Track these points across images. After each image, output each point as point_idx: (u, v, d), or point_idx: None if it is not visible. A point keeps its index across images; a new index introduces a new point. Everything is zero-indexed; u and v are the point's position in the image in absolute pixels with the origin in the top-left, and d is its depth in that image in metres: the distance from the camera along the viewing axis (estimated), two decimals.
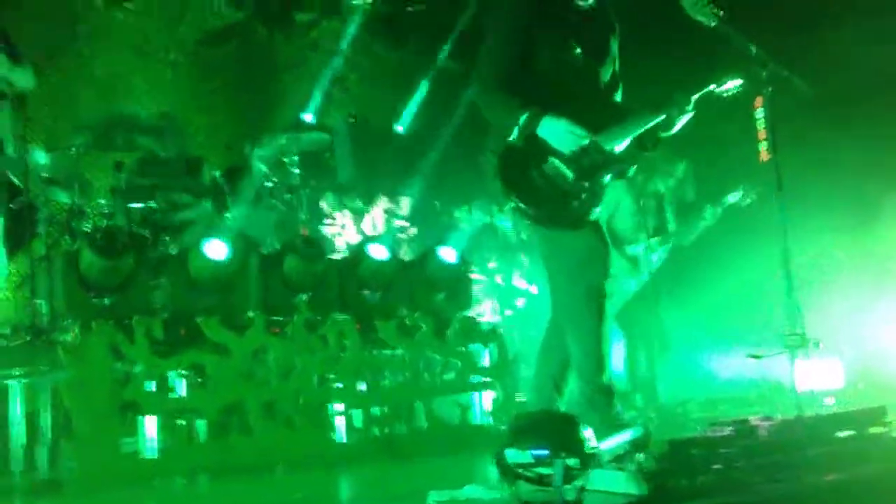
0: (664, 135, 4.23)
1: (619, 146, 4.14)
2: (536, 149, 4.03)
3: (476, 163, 4.23)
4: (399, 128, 8.83)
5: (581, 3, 4.23)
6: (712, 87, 4.14)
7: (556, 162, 4.04)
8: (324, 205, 7.88)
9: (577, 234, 4.11)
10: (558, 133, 4.03)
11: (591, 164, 4.06)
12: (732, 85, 4.16)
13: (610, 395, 4.16)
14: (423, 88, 8.73)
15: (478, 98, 4.20)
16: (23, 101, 6.13)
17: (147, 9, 8.66)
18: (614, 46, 4.37)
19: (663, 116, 4.13)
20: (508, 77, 4.08)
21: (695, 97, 4.14)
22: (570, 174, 4.04)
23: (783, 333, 4.26)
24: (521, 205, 4.03)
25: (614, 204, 7.04)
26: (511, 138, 4.03)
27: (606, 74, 4.32)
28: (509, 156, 4.04)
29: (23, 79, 6.01)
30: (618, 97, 4.39)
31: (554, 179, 4.04)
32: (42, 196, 6.36)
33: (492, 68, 4.13)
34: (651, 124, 4.14)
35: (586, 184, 4.07)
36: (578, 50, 4.17)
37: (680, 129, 4.23)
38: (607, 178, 4.11)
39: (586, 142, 4.04)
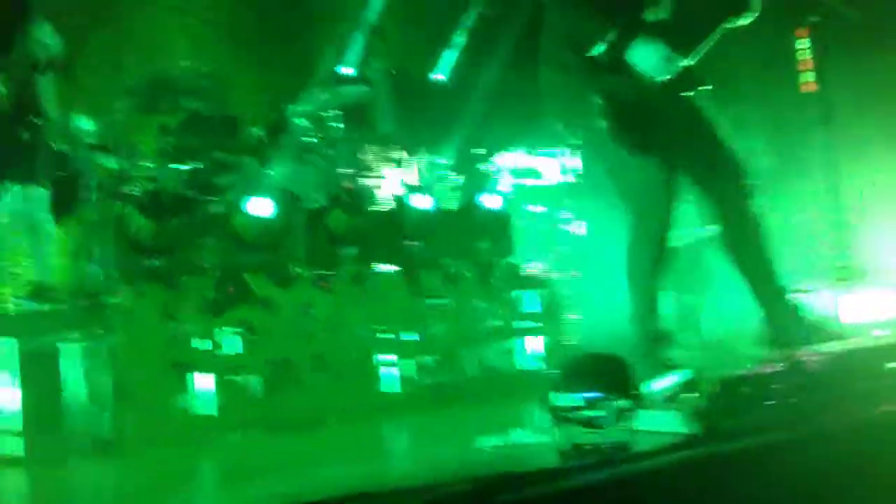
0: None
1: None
2: (623, 64, 3.92)
3: (548, 82, 4.09)
4: (439, 76, 8.77)
5: None
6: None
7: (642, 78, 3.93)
8: (366, 157, 7.86)
9: (650, 173, 4.00)
10: (650, 56, 3.88)
11: (673, 81, 3.92)
12: None
13: (659, 335, 4.13)
14: (462, 34, 8.64)
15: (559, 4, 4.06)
16: (65, 67, 6.15)
17: None
18: None
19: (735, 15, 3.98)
20: None
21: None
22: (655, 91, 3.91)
23: (832, 266, 4.20)
24: (613, 123, 3.91)
25: None
26: (599, 52, 3.89)
27: None
28: (598, 70, 3.92)
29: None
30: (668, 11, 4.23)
31: (635, 102, 3.93)
32: (89, 162, 6.44)
33: None
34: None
35: (669, 106, 3.94)
36: None
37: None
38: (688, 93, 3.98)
39: (680, 65, 3.90)
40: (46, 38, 5.96)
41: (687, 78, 3.98)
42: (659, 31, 3.94)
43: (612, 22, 3.88)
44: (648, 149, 3.98)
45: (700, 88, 4.04)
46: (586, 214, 7.23)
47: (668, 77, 3.90)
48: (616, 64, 3.89)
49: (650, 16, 3.96)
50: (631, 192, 4.08)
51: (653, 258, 4.07)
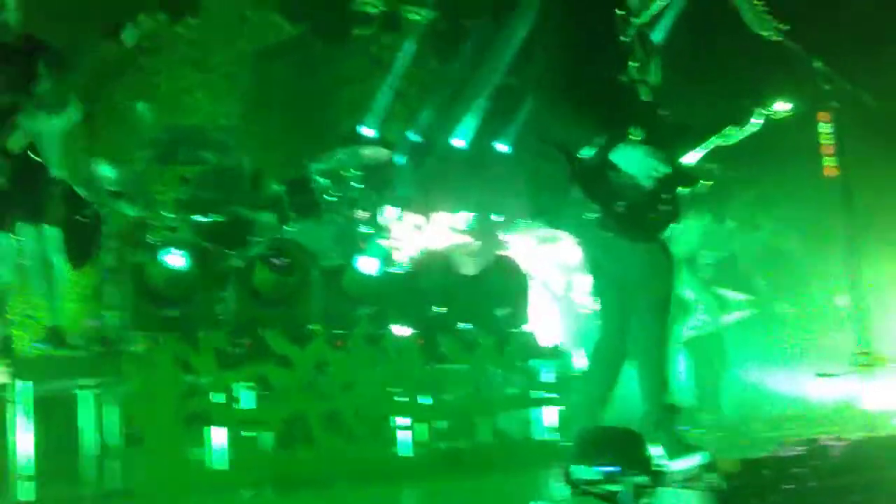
0: (724, 145, 4.20)
1: (689, 159, 4.12)
2: (612, 162, 4.02)
3: (536, 171, 4.20)
4: (459, 142, 8.86)
5: (632, 21, 4.22)
6: (765, 110, 4.12)
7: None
8: (384, 219, 7.91)
9: (646, 248, 4.09)
10: (635, 161, 4.00)
11: (666, 176, 4.04)
12: (785, 107, 4.13)
13: (675, 412, 4.13)
14: (482, 103, 8.75)
15: (548, 107, 4.16)
16: (88, 115, 6.22)
17: (207, 24, 8.77)
18: (657, 63, 4.34)
19: (735, 128, 4.11)
20: (576, 90, 4.06)
21: (756, 116, 4.12)
22: (646, 185, 4.03)
23: (853, 352, 4.21)
24: (603, 215, 4.00)
25: (698, 241, 7.03)
26: (588, 155, 4.00)
27: (653, 91, 4.29)
28: (586, 165, 4.02)
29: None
30: (661, 112, 4.35)
31: (632, 190, 4.02)
32: (108, 208, 6.48)
33: (563, 79, 4.10)
34: (721, 137, 4.13)
35: (664, 196, 4.05)
36: (629, 67, 4.16)
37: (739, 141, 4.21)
38: (682, 190, 4.09)
39: (663, 172, 4.02)
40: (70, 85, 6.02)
41: (681, 175, 4.10)
42: (649, 139, 4.05)
43: (603, 128, 3.98)
44: (642, 234, 4.07)
45: (691, 187, 4.15)
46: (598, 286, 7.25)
47: (656, 179, 4.01)
48: (605, 164, 3.99)
49: (642, 124, 4.07)
50: (629, 269, 4.14)
51: (660, 328, 4.10)
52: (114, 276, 5.92)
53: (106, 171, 6.35)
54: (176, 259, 5.55)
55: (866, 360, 4.11)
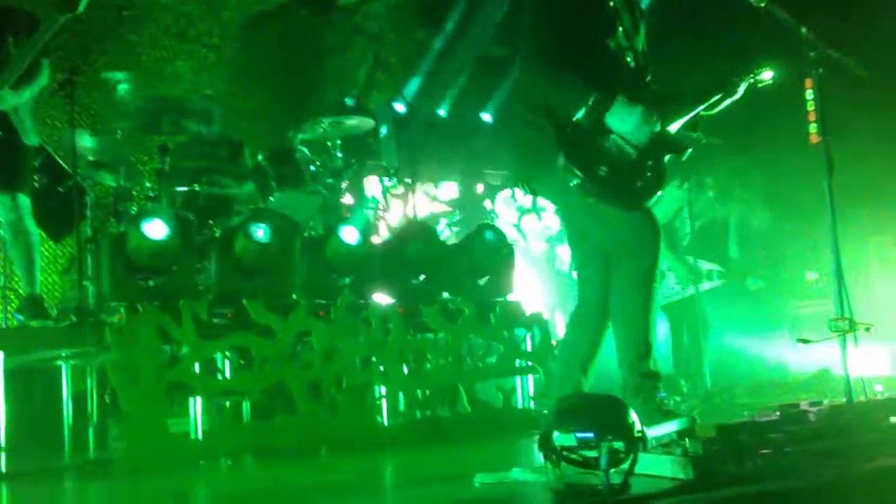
0: (706, 114, 4.20)
1: (674, 127, 4.11)
2: (600, 126, 3.99)
3: (522, 139, 4.18)
4: (441, 111, 8.83)
5: None
6: (750, 78, 4.12)
7: (619, 140, 4.01)
8: (367, 188, 7.89)
9: (632, 216, 4.08)
10: (630, 119, 3.98)
11: (652, 143, 4.02)
12: (767, 76, 4.12)
13: (655, 380, 4.13)
14: (466, 72, 8.71)
15: (536, 73, 4.13)
16: (70, 85, 6.16)
17: None
18: (643, 30, 4.32)
19: (720, 96, 4.10)
20: (565, 55, 4.02)
21: (741, 84, 4.12)
22: (632, 152, 4.01)
23: (832, 318, 4.21)
24: (586, 181, 3.98)
25: (675, 208, 7.03)
26: (577, 117, 3.97)
27: (640, 57, 4.27)
28: (572, 132, 3.99)
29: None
30: (648, 78, 4.34)
31: (617, 157, 4.00)
32: (89, 179, 6.44)
33: (552, 45, 4.06)
34: (706, 105, 4.12)
35: (649, 163, 4.03)
36: (618, 32, 4.14)
37: (721, 110, 4.21)
38: (667, 158, 4.08)
39: (657, 128, 4.00)
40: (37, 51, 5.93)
41: (666, 140, 4.08)
42: (639, 100, 4.03)
43: (591, 90, 3.95)
44: (627, 200, 4.06)
45: (677, 154, 4.14)
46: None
47: (646, 141, 3.99)
48: (591, 131, 3.97)
49: (628, 90, 4.05)
50: (614, 237, 4.13)
51: (644, 296, 4.10)
52: (94, 247, 5.88)
53: (86, 140, 6.29)
54: (157, 229, 5.50)
55: (845, 327, 4.11)
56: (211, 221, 6.42)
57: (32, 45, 5.31)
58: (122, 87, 6.52)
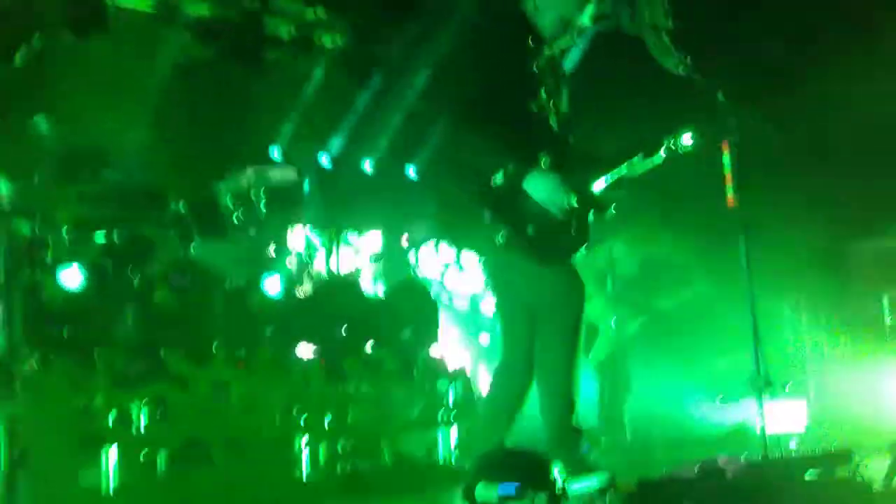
0: (630, 175, 4.28)
1: (597, 185, 4.19)
2: (519, 189, 4.04)
3: (449, 195, 4.24)
4: (367, 163, 8.86)
5: (543, 50, 4.27)
6: (670, 140, 4.21)
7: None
8: (290, 240, 7.84)
9: (557, 273, 4.13)
10: (545, 188, 4.04)
11: (576, 202, 4.08)
12: (687, 140, 4.23)
13: (578, 435, 4.15)
14: (392, 126, 8.76)
15: (460, 133, 4.19)
16: None
17: (118, 44, 8.60)
18: (566, 92, 4.41)
19: (640, 158, 4.19)
20: (488, 116, 4.08)
21: (661, 147, 4.22)
22: (555, 212, 4.07)
23: (749, 377, 4.28)
24: (511, 237, 4.02)
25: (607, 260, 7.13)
26: (497, 182, 4.03)
27: (563, 119, 4.35)
28: (497, 191, 4.04)
29: None
30: (570, 140, 4.41)
31: (541, 215, 4.06)
32: (2, 226, 6.28)
33: (473, 109, 4.13)
34: (628, 166, 4.20)
35: (573, 220, 4.10)
36: (541, 94, 4.21)
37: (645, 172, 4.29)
38: (590, 216, 4.16)
39: (573, 201, 4.06)
40: None
41: (590, 201, 4.16)
42: (558, 166, 4.10)
43: (509, 157, 4.02)
44: (551, 257, 4.11)
45: (600, 212, 4.22)
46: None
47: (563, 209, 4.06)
48: (515, 189, 4.03)
49: (551, 152, 4.13)
50: (539, 293, 4.17)
51: (568, 352, 4.14)
52: (5, 294, 5.72)
53: (2, 187, 6.16)
54: (73, 278, 5.39)
55: (759, 385, 4.19)
56: (129, 270, 6.31)
57: None
58: (43, 134, 6.40)
